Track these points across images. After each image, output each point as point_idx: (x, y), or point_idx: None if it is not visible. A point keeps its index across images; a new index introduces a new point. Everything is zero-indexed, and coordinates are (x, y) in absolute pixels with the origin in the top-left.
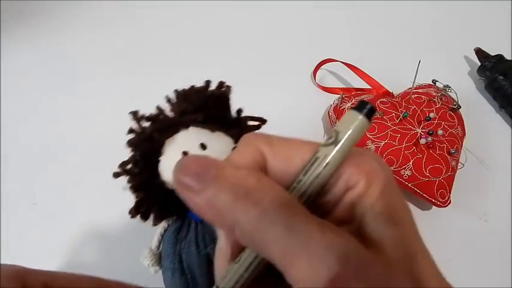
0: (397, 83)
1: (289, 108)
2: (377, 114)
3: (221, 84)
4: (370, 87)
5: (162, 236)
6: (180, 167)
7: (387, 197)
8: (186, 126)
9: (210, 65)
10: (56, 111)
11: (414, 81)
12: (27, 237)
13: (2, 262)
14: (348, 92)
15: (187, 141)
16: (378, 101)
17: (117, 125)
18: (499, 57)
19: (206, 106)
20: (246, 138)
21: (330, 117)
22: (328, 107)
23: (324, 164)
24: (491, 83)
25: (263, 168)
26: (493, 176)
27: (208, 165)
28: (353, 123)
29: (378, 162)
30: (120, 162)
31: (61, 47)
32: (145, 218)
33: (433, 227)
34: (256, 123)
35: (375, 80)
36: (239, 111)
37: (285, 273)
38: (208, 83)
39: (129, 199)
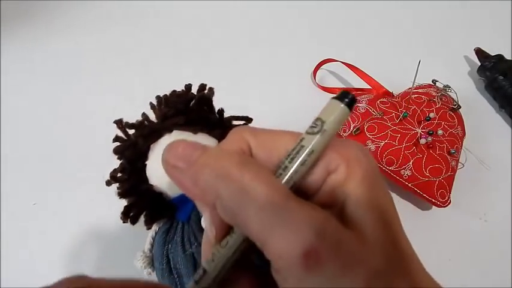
0: (397, 83)
1: (289, 108)
2: (377, 114)
3: (202, 87)
4: (370, 87)
5: (153, 238)
6: (168, 149)
7: (369, 184)
8: (169, 130)
9: (210, 64)
10: (56, 111)
11: (414, 81)
12: (27, 237)
13: (2, 262)
14: None
15: None
16: (378, 101)
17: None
18: (499, 57)
19: (187, 109)
20: (233, 130)
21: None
22: None
23: (309, 152)
24: (491, 83)
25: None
26: (493, 176)
27: (194, 147)
28: (336, 112)
29: (361, 151)
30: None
31: (61, 47)
32: (134, 222)
33: (433, 227)
34: (241, 122)
35: (375, 80)
36: (220, 111)
37: (263, 249)
38: (189, 86)
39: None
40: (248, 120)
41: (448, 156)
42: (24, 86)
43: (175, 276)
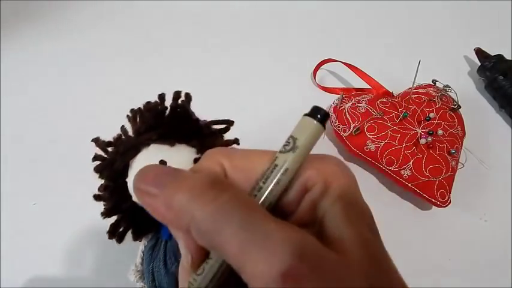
0: (397, 83)
1: (289, 108)
2: (377, 114)
3: (177, 95)
4: (370, 87)
5: (143, 252)
6: (138, 176)
7: (347, 200)
8: (146, 144)
9: (210, 64)
10: (56, 111)
11: (414, 81)
12: (27, 237)
13: (2, 262)
14: (348, 92)
15: (147, 160)
16: (378, 101)
17: (118, 125)
18: (499, 57)
19: (161, 122)
20: (207, 153)
21: (330, 117)
22: (328, 107)
23: (283, 171)
24: (491, 83)
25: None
26: (493, 176)
27: (165, 171)
28: (309, 129)
29: (338, 167)
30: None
31: (61, 47)
32: (120, 240)
33: (433, 227)
34: (222, 126)
35: (375, 80)
36: (195, 121)
37: (240, 271)
38: (162, 97)
39: None
40: (229, 123)
41: (448, 156)
42: (24, 86)
43: None
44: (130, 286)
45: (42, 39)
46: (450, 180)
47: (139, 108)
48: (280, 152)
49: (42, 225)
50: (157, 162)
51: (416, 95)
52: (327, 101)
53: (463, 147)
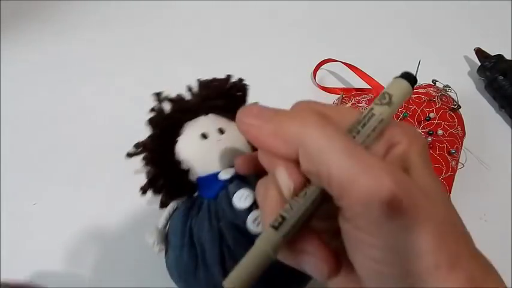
0: None
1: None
2: None
3: (241, 79)
4: (370, 87)
5: (171, 214)
6: (242, 111)
7: (427, 156)
8: (206, 112)
9: (210, 64)
10: (57, 111)
11: None
12: (27, 237)
13: (2, 262)
14: (348, 92)
15: (206, 124)
16: None
17: (118, 125)
18: (499, 57)
19: (227, 94)
20: (297, 103)
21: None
22: None
23: (380, 119)
24: (491, 83)
25: None
26: (493, 176)
27: (268, 108)
28: (403, 89)
29: (416, 130)
30: (128, 151)
31: (61, 47)
32: (158, 192)
33: None
34: None
35: (375, 80)
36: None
37: (343, 197)
38: (229, 76)
39: (129, 199)
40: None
41: (448, 156)
42: (24, 86)
43: (199, 251)
44: (130, 286)
45: (42, 39)
46: (450, 180)
47: (206, 79)
48: (376, 104)
49: (42, 225)
50: (216, 129)
51: (416, 95)
52: (327, 101)
53: (463, 147)
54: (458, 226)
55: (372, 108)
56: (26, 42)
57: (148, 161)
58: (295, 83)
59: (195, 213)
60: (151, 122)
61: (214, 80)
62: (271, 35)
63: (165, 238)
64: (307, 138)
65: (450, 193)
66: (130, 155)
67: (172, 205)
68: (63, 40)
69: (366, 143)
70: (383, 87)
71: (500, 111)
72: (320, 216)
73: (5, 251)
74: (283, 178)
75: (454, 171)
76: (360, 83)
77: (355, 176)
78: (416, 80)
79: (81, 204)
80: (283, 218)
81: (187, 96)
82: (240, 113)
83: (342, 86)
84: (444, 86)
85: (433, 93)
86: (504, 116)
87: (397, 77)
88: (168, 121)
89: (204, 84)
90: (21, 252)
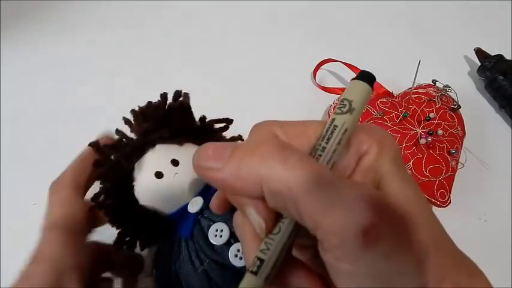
0: (397, 83)
1: (289, 108)
2: (377, 114)
3: (178, 94)
4: None
5: (154, 260)
6: (197, 154)
7: (400, 163)
8: (152, 145)
9: (210, 64)
10: (57, 111)
11: (414, 81)
12: (27, 237)
13: (2, 262)
14: None
15: (157, 160)
16: (378, 101)
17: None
18: (499, 57)
19: (168, 120)
20: (256, 124)
21: (330, 117)
22: (328, 107)
23: (343, 130)
24: (491, 83)
25: None
26: (493, 176)
27: (223, 145)
28: (361, 91)
29: (386, 133)
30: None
31: (61, 47)
32: (132, 247)
33: None
34: (222, 125)
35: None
36: (202, 118)
37: (316, 229)
38: (164, 96)
39: None
40: (229, 121)
41: (448, 156)
42: (24, 86)
43: None
44: None
45: (42, 39)
46: (450, 180)
47: (141, 108)
48: (336, 113)
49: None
50: (169, 162)
51: (416, 95)
52: (327, 101)
53: (463, 147)
54: (441, 235)
55: (333, 120)
56: (26, 42)
57: (110, 220)
58: (295, 83)
59: (176, 255)
60: (100, 177)
61: (150, 106)
62: (271, 35)
63: (157, 283)
64: (269, 175)
65: (450, 193)
66: (91, 210)
67: (152, 249)
68: (63, 40)
69: (333, 159)
70: (383, 87)
71: (500, 111)
72: (303, 233)
73: (5, 251)
74: (254, 217)
75: (454, 171)
76: None
77: (325, 210)
78: (374, 78)
79: None
80: (262, 261)
81: (126, 130)
82: (195, 158)
83: (342, 86)
84: (444, 86)
85: (433, 93)
86: (504, 116)
87: (353, 79)
88: (116, 171)
89: (140, 116)
90: (21, 252)
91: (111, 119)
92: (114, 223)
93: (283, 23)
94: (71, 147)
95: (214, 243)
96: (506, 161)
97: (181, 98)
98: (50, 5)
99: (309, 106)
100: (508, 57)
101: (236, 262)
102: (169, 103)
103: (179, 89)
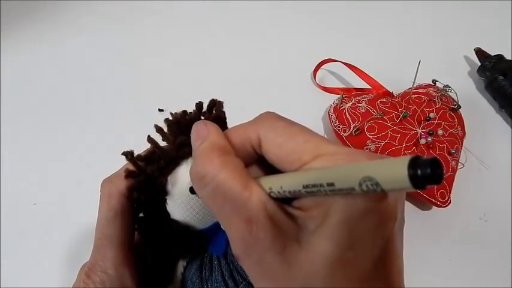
0: (397, 83)
1: (289, 108)
2: (377, 115)
3: (213, 103)
4: (370, 87)
5: (183, 275)
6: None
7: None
8: (186, 158)
9: (210, 64)
10: (57, 111)
11: (414, 81)
12: (27, 237)
13: (2, 262)
14: (348, 92)
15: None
16: (378, 101)
17: (117, 125)
18: (499, 57)
19: None
20: (257, 118)
21: (330, 117)
22: (328, 107)
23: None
24: (491, 83)
25: (256, 147)
26: (493, 176)
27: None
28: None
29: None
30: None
31: (61, 47)
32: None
33: (433, 227)
34: None
35: (375, 80)
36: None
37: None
38: (200, 106)
39: None
40: None
41: (448, 156)
42: (24, 86)
43: None
44: None
45: (42, 39)
46: (450, 180)
47: (176, 117)
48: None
49: (42, 225)
50: None
51: (416, 95)
52: (327, 101)
53: (463, 147)
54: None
55: (332, 183)
56: (26, 42)
57: (145, 236)
58: (295, 83)
59: (207, 274)
60: (134, 189)
61: (184, 117)
62: (271, 35)
63: None
64: (202, 191)
65: (450, 193)
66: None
67: (182, 263)
68: (63, 40)
69: (286, 195)
70: (383, 87)
71: (500, 111)
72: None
73: (5, 251)
74: None
75: (454, 171)
76: (360, 83)
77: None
78: (438, 179)
79: (81, 204)
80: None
81: (159, 140)
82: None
83: (342, 86)
84: (444, 86)
85: (433, 93)
86: (504, 116)
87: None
88: (151, 184)
89: (174, 126)
90: (21, 252)
91: (111, 119)
92: (152, 239)
93: (284, 23)
94: (70, 147)
95: None
96: (506, 161)
97: (216, 107)
98: (50, 5)
99: (309, 106)
100: (508, 57)
101: None
102: (206, 115)
103: (214, 98)
